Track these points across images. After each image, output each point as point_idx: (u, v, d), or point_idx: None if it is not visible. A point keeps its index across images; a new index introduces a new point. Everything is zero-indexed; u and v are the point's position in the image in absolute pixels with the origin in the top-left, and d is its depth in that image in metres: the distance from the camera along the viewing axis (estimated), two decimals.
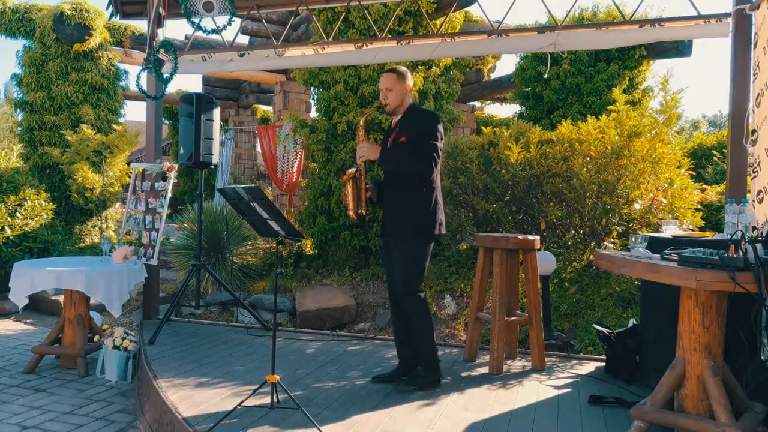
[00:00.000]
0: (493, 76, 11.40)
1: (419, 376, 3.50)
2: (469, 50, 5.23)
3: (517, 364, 4.04)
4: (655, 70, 9.15)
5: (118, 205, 9.49)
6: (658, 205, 5.37)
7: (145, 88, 4.99)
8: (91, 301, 4.59)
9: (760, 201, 3.43)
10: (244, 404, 2.92)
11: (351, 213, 3.54)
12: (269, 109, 14.17)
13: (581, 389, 3.50)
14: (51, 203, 7.40)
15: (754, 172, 3.55)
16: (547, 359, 4.03)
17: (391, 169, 3.49)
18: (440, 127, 3.43)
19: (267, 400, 2.99)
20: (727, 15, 4.14)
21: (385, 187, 3.56)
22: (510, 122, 8.26)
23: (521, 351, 4.33)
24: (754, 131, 3.60)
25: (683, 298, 2.60)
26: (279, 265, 6.85)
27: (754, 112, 3.63)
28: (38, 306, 6.52)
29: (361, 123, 3.61)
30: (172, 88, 13.41)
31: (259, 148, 11.17)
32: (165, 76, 4.97)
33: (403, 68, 3.56)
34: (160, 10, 5.12)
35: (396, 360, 3.72)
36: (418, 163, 3.35)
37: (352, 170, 3.52)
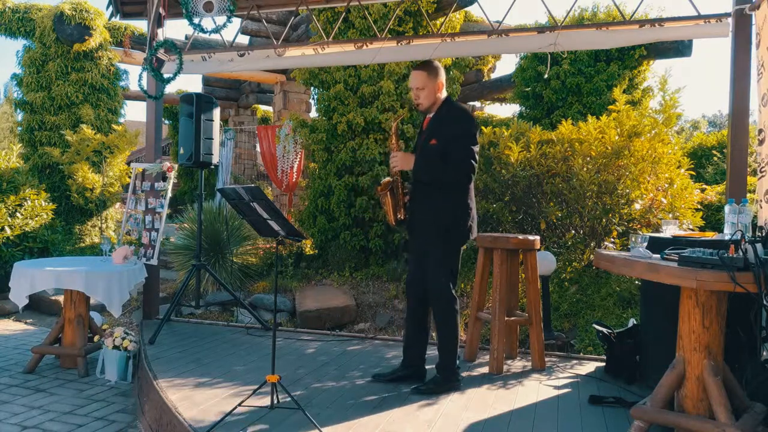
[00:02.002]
0: (493, 76, 11.41)
1: (437, 382, 3.39)
2: (469, 50, 5.23)
3: (517, 364, 4.04)
4: (655, 70, 9.16)
5: (118, 205, 9.49)
6: (658, 205, 5.37)
7: (146, 87, 5.00)
8: (91, 301, 4.59)
9: None
10: (244, 404, 2.92)
11: (391, 220, 3.46)
12: (269, 109, 14.18)
13: (581, 389, 3.50)
14: (51, 203, 7.40)
15: (761, 172, 3.51)
16: (547, 359, 4.03)
17: (426, 181, 3.30)
18: (474, 128, 3.28)
19: (267, 400, 2.99)
20: (727, 15, 4.14)
21: (416, 189, 3.41)
22: (510, 122, 8.26)
23: (521, 351, 4.33)
24: (761, 130, 3.57)
25: (683, 298, 2.59)
26: (279, 265, 6.87)
27: (760, 112, 3.61)
28: (38, 306, 6.53)
29: (393, 129, 3.43)
30: (172, 88, 13.42)
31: (258, 148, 11.18)
32: (167, 76, 4.98)
33: (435, 63, 3.38)
34: (160, 10, 5.12)
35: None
36: (456, 172, 3.20)
37: (388, 179, 3.40)
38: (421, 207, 3.36)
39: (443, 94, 3.37)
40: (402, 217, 3.44)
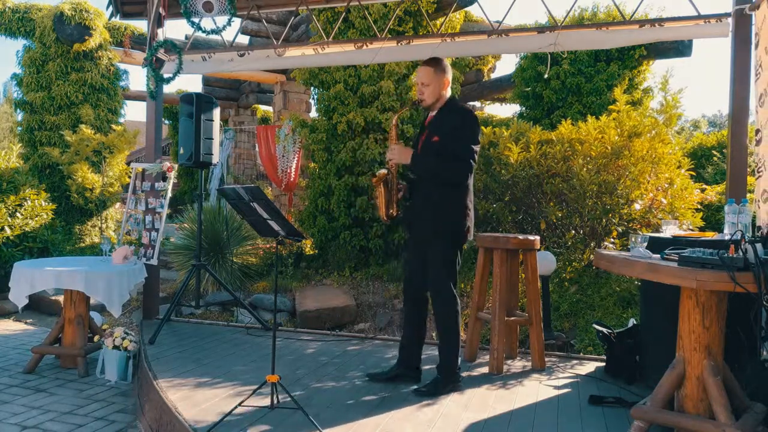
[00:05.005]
0: (493, 76, 11.40)
1: (438, 383, 3.37)
2: (469, 50, 5.23)
3: (517, 364, 4.04)
4: (655, 70, 9.15)
5: (118, 205, 9.49)
6: (658, 205, 5.37)
7: (153, 88, 5.01)
8: (91, 301, 4.59)
9: (766, 201, 3.41)
10: (244, 404, 2.92)
11: (382, 215, 3.42)
12: (269, 109, 14.17)
13: (581, 389, 3.50)
14: (51, 203, 7.40)
15: (758, 172, 3.51)
16: (547, 359, 4.03)
17: (423, 176, 3.33)
18: (477, 128, 3.27)
19: (267, 400, 2.99)
20: (727, 15, 4.14)
21: (415, 187, 3.40)
22: (510, 122, 8.26)
23: (521, 351, 4.33)
24: (758, 131, 3.57)
25: (683, 298, 2.59)
26: (279, 265, 6.87)
27: (757, 112, 3.61)
28: (38, 306, 6.52)
29: (394, 122, 3.42)
30: (172, 88, 13.44)
31: (258, 148, 11.17)
32: (167, 76, 4.98)
33: (443, 61, 3.35)
34: (160, 10, 5.12)
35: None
36: (452, 170, 3.21)
37: (383, 172, 3.38)
38: (421, 206, 3.35)
39: (448, 92, 3.37)
40: (394, 213, 3.42)
